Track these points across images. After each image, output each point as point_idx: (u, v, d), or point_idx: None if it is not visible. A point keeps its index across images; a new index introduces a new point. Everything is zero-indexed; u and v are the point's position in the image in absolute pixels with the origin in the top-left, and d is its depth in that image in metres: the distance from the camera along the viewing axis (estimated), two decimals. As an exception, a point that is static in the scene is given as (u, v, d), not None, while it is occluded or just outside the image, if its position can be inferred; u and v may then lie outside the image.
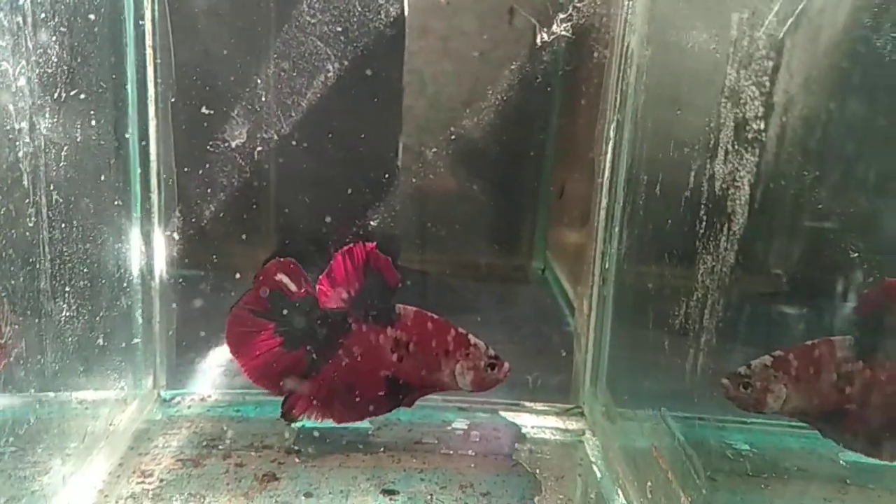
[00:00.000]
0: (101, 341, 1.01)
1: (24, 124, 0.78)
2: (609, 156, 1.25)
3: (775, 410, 1.01)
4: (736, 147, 0.79)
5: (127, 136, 1.10)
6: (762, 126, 0.74)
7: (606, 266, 1.25)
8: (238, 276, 1.26)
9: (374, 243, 1.10)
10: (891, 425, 0.99)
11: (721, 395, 1.00)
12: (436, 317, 1.12)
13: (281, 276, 1.10)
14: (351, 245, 1.10)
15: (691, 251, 0.87)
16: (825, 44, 0.67)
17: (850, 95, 0.68)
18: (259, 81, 1.19)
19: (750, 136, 0.76)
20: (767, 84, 0.73)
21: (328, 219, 1.28)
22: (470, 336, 1.12)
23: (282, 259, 1.11)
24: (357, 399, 1.12)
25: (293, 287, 1.10)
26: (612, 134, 1.24)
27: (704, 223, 0.85)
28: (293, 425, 1.14)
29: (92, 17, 0.95)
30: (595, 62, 1.27)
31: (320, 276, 1.10)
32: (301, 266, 1.11)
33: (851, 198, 0.76)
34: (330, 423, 1.12)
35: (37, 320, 0.85)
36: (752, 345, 0.97)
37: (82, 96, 0.93)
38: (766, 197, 0.74)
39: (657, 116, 1.09)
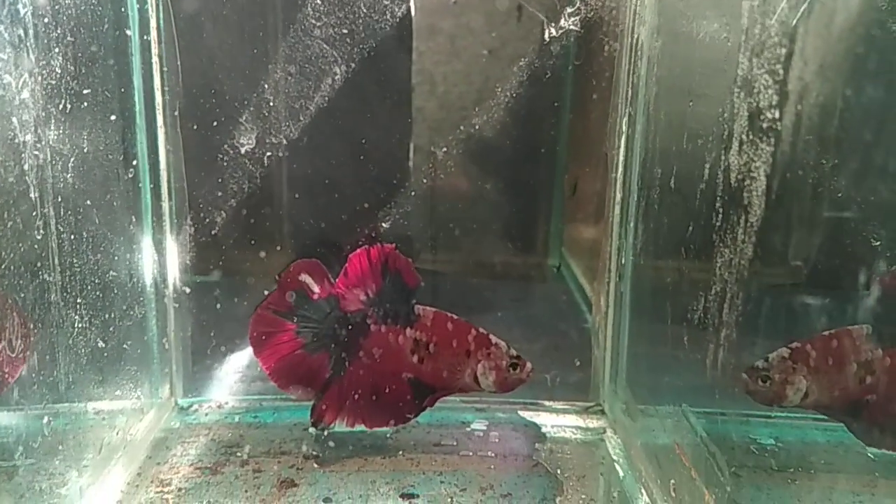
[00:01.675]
0: (115, 351, 1.01)
1: (29, 137, 0.77)
2: (622, 150, 1.23)
3: (795, 403, 0.99)
4: (750, 137, 0.77)
5: (136, 145, 1.10)
6: (777, 115, 0.72)
7: (622, 262, 1.24)
8: (251, 281, 1.26)
9: (394, 244, 1.09)
10: None
11: (741, 390, 0.98)
12: (455, 317, 1.12)
13: (304, 277, 1.10)
14: (366, 246, 1.09)
15: (708, 244, 0.86)
16: (839, 29, 0.65)
17: (866, 81, 0.66)
18: (266, 86, 1.19)
19: (765, 125, 0.74)
20: (781, 72, 0.71)
21: (342, 221, 1.29)
22: (491, 336, 1.11)
23: (305, 259, 1.11)
24: (383, 402, 1.11)
25: (316, 288, 1.10)
26: (624, 128, 1.23)
27: (721, 215, 0.83)
28: (324, 432, 1.13)
29: (95, 27, 0.95)
30: (605, 56, 1.25)
31: (336, 279, 1.10)
32: (324, 267, 1.10)
33: (872, 186, 0.74)
34: (361, 427, 1.11)
35: (49, 332, 0.85)
36: (772, 338, 0.95)
37: (88, 107, 0.92)
38: (783, 187, 0.72)
39: (670, 109, 1.07)
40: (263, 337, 1.11)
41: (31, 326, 0.80)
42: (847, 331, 0.97)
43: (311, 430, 1.11)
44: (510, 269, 1.49)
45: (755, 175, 0.76)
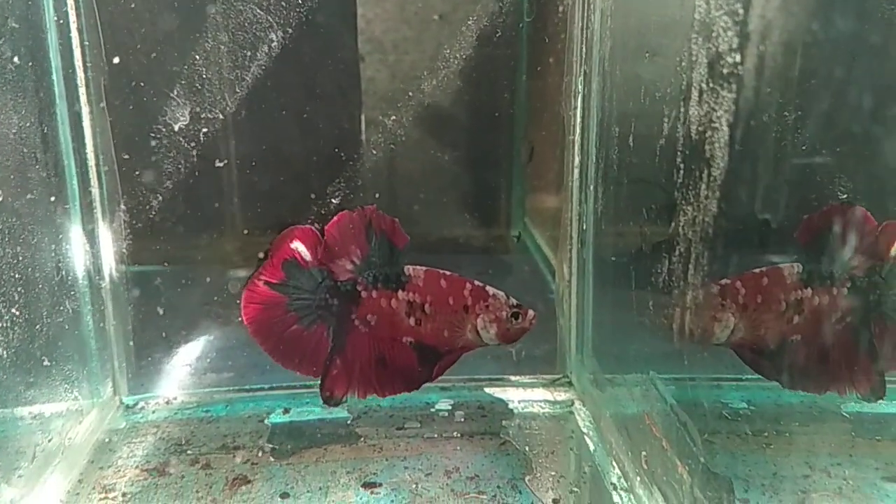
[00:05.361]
0: (43, 350, 0.93)
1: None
2: (579, 111, 1.18)
3: (722, 341, 0.96)
4: (710, 85, 0.71)
5: (56, 126, 1.01)
6: (738, 59, 0.67)
7: (584, 227, 1.19)
8: (195, 266, 1.20)
9: (374, 205, 1.03)
10: (836, 358, 0.95)
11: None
12: (449, 273, 1.05)
13: (296, 244, 1.02)
14: (344, 212, 1.02)
15: (670, 203, 0.81)
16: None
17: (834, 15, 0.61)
18: (197, 57, 1.10)
19: (725, 71, 0.69)
20: (741, 11, 0.66)
21: (289, 199, 1.23)
22: (488, 287, 1.05)
23: (298, 226, 1.03)
24: (391, 369, 1.06)
25: (308, 256, 1.02)
26: (580, 87, 1.17)
27: (682, 171, 0.78)
28: (338, 408, 1.09)
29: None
30: (560, 13, 1.20)
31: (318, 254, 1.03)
32: (319, 233, 1.02)
33: (842, 131, 0.69)
34: (374, 397, 1.07)
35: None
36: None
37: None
38: (747, 137, 0.67)
39: (625, 64, 1.01)
40: (257, 314, 1.03)
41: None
42: (778, 269, 0.94)
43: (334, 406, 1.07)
44: (472, 242, 1.45)
45: (717, 125, 0.71)
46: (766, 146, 0.70)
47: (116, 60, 1.08)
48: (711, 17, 0.71)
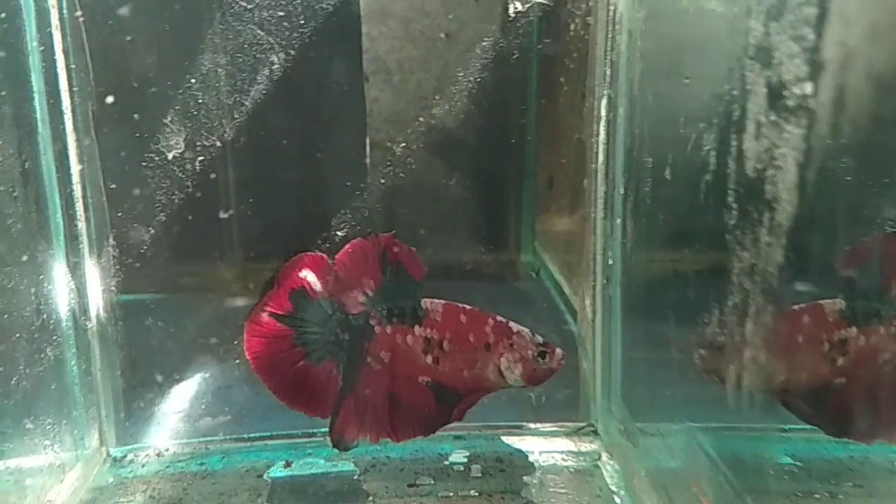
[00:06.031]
0: (21, 408, 0.84)
1: None
2: (602, 137, 1.10)
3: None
4: (772, 118, 0.63)
5: (38, 157, 0.93)
6: (807, 90, 0.59)
7: (609, 262, 1.10)
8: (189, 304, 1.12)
9: (393, 232, 0.95)
10: (885, 402, 0.86)
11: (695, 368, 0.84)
12: (469, 307, 0.97)
13: (306, 273, 0.94)
14: (356, 240, 0.95)
15: (720, 246, 0.72)
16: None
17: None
18: (193, 81, 1.02)
19: (791, 103, 0.60)
20: (811, 37, 0.58)
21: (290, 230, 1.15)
22: (511, 324, 0.97)
23: (309, 253, 0.96)
24: (406, 411, 0.98)
25: (318, 286, 0.94)
26: (603, 112, 1.09)
27: (736, 212, 0.69)
28: (344, 461, 1.02)
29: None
30: (575, 32, 1.12)
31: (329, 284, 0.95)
32: (330, 262, 0.95)
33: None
34: (387, 441, 0.98)
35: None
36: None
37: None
38: (821, 178, 0.59)
39: (659, 89, 0.93)
40: (261, 347, 0.95)
41: None
42: (818, 305, 0.85)
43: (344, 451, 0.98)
44: (481, 269, 1.37)
45: (781, 164, 0.62)
46: (843, 189, 0.62)
47: (111, 100, 1.01)
48: (771, 42, 0.63)
